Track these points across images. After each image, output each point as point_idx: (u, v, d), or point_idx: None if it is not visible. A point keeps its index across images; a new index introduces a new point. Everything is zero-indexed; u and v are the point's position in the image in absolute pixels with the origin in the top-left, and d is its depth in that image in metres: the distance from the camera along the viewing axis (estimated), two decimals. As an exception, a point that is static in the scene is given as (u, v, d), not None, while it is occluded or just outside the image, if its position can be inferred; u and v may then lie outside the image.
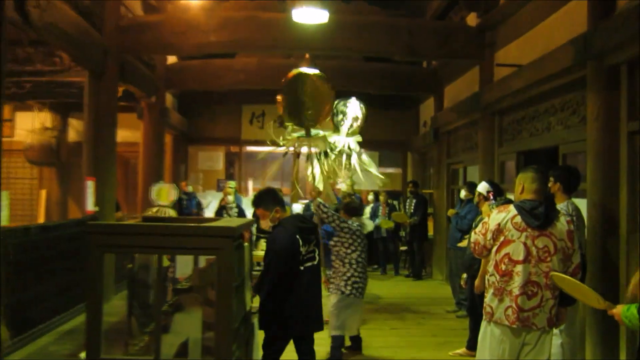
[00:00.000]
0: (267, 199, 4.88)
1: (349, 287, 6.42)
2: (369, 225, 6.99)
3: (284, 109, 6.46)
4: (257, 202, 4.95)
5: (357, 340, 6.92)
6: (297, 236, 4.68)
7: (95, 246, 3.18)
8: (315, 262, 4.91)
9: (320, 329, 5.09)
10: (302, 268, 4.71)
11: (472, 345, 6.40)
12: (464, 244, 7.55)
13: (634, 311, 3.32)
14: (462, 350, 6.88)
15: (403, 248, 13.41)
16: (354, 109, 7.39)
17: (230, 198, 11.39)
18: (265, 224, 4.91)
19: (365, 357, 6.83)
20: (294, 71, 6.53)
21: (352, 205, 6.99)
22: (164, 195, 7.42)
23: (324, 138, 6.76)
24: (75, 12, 7.39)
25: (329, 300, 6.44)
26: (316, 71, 6.51)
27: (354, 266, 6.47)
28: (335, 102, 7.07)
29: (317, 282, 5.02)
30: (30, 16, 6.01)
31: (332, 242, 6.52)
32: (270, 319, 4.63)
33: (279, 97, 6.50)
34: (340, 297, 6.47)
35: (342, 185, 10.67)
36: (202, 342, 3.50)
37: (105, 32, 8.57)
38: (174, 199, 7.73)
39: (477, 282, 6.18)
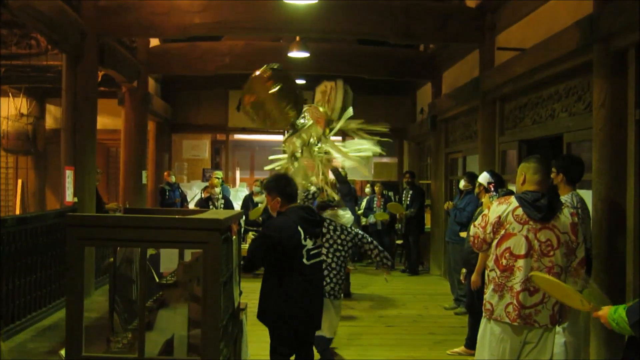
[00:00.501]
0: (271, 184, 4.84)
1: None
2: (343, 218, 6.79)
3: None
4: (265, 186, 4.96)
5: None
6: (299, 227, 4.57)
7: (76, 239, 3.18)
8: (322, 259, 4.86)
9: (319, 327, 5.06)
10: (307, 263, 4.59)
11: (471, 344, 6.43)
12: (464, 234, 7.56)
13: (621, 313, 3.24)
14: (461, 348, 6.91)
15: (399, 242, 13.45)
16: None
17: (217, 189, 11.40)
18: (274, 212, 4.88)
19: (359, 357, 6.85)
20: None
21: (321, 202, 6.91)
22: None
23: (309, 129, 6.74)
24: (52, -8, 7.36)
25: None
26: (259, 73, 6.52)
27: None
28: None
29: (321, 279, 4.97)
30: (5, -4, 5.99)
31: None
32: (273, 317, 4.58)
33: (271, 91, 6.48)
34: None
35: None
36: (188, 340, 3.51)
37: (83, 13, 8.52)
38: None
39: (473, 277, 6.20)
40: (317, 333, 5.90)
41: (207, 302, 3.23)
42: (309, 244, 4.61)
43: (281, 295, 4.52)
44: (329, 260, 6.39)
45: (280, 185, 4.76)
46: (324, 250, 6.30)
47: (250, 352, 5.30)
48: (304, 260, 4.57)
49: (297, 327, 4.63)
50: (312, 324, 4.77)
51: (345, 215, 6.82)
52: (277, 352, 4.66)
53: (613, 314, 3.30)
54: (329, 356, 6.39)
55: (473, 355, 5.07)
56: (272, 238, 4.49)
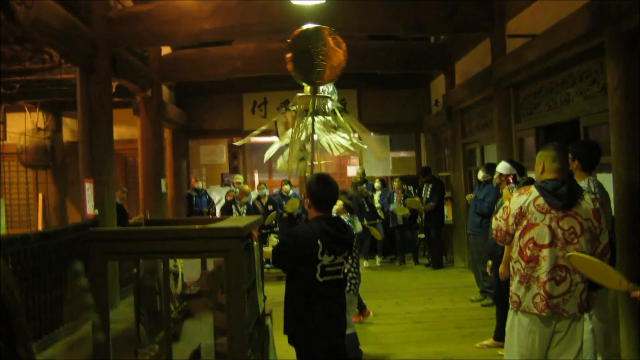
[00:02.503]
0: (308, 183, 4.61)
1: None
2: (358, 227, 6.81)
3: (293, 59, 6.42)
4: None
5: None
6: (319, 241, 4.25)
7: (98, 254, 3.20)
8: (339, 277, 4.47)
9: (342, 342, 4.87)
10: (320, 280, 4.28)
11: (499, 336, 6.38)
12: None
13: None
14: (490, 341, 6.88)
15: (421, 236, 13.42)
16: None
17: (245, 198, 11.51)
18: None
19: (387, 353, 6.84)
20: (310, 26, 6.54)
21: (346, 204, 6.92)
22: None
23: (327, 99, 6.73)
24: (61, 6, 7.38)
25: None
26: (332, 30, 6.52)
27: None
28: None
29: (338, 297, 4.54)
30: (16, 13, 6.01)
31: None
32: (291, 331, 4.46)
33: (288, 55, 6.51)
34: None
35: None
36: (215, 349, 3.52)
37: (93, 25, 8.56)
38: None
39: (501, 268, 6.16)
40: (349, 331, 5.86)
41: (231, 309, 3.23)
42: (325, 259, 4.30)
43: (296, 311, 4.32)
44: (354, 264, 6.40)
45: (312, 186, 4.47)
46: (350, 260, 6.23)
47: (278, 355, 5.29)
48: (317, 276, 4.29)
49: (315, 343, 4.46)
50: (330, 340, 4.46)
51: (357, 225, 6.84)
52: None
53: None
54: (357, 354, 6.38)
55: (502, 347, 5.04)
56: (287, 245, 4.33)
